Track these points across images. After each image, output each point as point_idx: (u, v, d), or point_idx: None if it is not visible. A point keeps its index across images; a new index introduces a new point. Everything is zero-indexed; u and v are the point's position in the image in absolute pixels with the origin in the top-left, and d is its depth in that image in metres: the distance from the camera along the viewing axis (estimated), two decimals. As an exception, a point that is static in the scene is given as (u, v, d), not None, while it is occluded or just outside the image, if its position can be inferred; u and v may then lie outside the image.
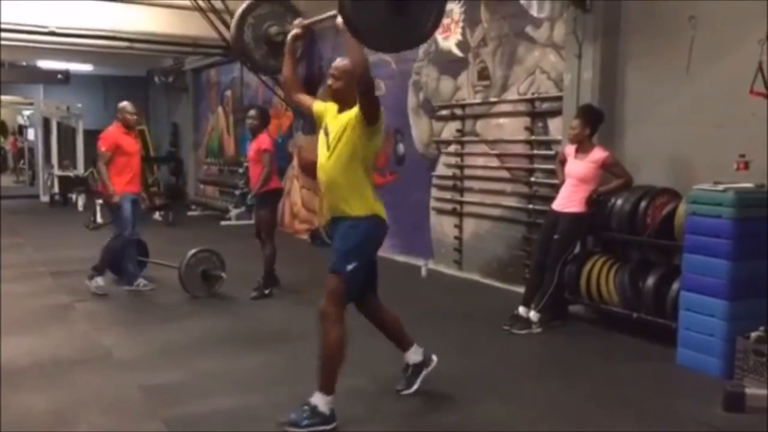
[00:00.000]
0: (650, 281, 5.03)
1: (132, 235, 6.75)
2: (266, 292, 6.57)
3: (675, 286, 4.81)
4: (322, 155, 3.72)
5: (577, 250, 5.73)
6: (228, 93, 14.20)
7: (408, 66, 8.54)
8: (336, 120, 3.69)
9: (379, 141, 3.70)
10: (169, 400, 3.98)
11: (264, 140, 6.82)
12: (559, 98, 6.29)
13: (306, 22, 3.99)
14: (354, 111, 3.56)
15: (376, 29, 3.13)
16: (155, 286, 6.82)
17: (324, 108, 3.87)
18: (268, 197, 6.81)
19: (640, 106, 5.67)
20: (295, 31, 3.96)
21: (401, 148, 8.77)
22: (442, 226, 8.05)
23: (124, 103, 6.83)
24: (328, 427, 3.48)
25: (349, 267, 3.57)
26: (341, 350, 3.53)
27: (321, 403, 3.48)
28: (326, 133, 3.73)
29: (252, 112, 6.95)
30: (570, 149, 5.56)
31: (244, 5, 4.29)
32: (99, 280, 6.70)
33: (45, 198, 16.20)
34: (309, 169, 11.02)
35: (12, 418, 3.66)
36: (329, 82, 3.70)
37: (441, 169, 8.08)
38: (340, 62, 3.67)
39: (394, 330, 3.93)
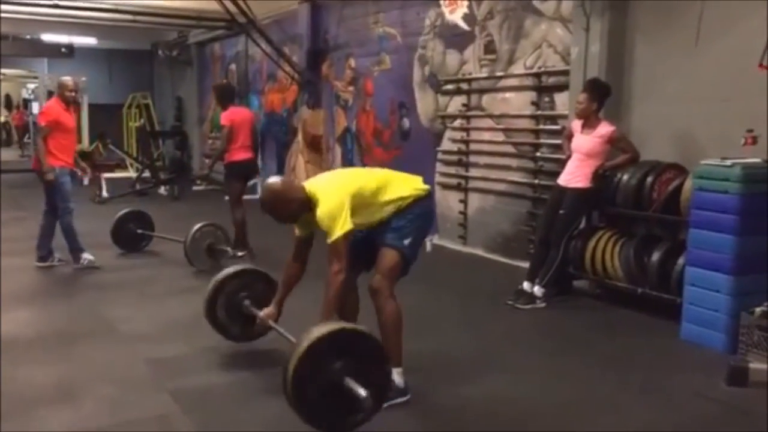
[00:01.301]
0: (655, 256, 5.02)
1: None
2: (239, 254, 6.82)
3: (680, 261, 4.81)
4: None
5: (582, 225, 5.72)
6: (232, 66, 14.12)
7: (414, 40, 8.46)
8: (311, 216, 3.56)
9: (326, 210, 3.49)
10: (174, 372, 4.01)
11: (224, 116, 7.08)
12: (566, 72, 6.23)
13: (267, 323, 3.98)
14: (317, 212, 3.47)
15: None
16: (98, 264, 6.67)
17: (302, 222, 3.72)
18: (233, 168, 7.17)
19: (648, 80, 5.61)
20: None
21: (406, 122, 8.73)
22: (447, 201, 8.04)
23: (65, 79, 6.73)
24: (404, 399, 3.50)
25: (406, 242, 3.57)
26: (400, 321, 3.54)
27: (394, 375, 3.44)
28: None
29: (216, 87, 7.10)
30: (576, 124, 5.52)
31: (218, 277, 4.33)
32: (86, 255, 6.66)
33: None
34: (314, 143, 11.00)
35: (16, 391, 3.70)
36: None
37: (446, 144, 8.05)
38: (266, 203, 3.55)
39: (350, 314, 3.81)
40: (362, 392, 2.84)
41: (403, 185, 3.69)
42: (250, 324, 4.15)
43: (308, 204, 3.51)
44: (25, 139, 22.67)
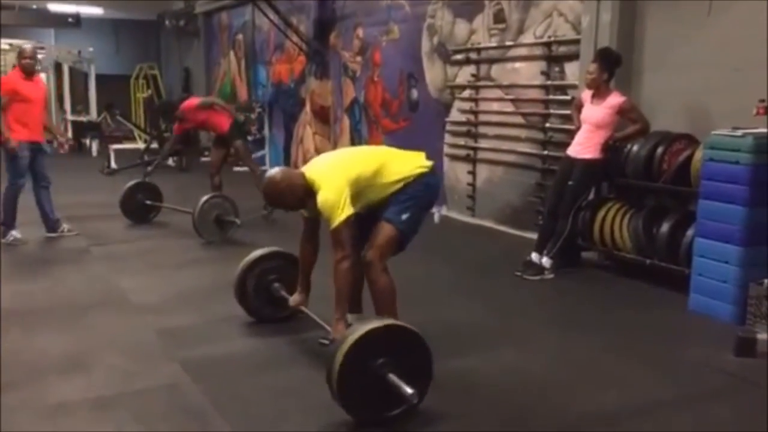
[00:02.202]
0: (664, 227, 5.00)
1: (21, 186, 6.44)
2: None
3: (689, 232, 4.79)
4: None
5: (591, 196, 5.70)
6: (239, 37, 14.02)
7: (422, 9, 8.37)
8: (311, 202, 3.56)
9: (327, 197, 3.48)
10: (184, 342, 4.05)
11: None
12: (576, 41, 6.16)
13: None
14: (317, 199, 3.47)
15: None
16: (25, 241, 6.51)
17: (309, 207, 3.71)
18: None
19: (659, 50, 5.54)
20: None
21: (415, 93, 8.67)
22: (456, 173, 8.01)
23: (23, 47, 6.48)
24: None
25: (404, 216, 3.57)
26: (394, 294, 3.58)
27: None
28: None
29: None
30: (586, 94, 5.47)
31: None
32: (14, 233, 6.49)
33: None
34: (321, 114, 10.96)
35: (30, 359, 3.75)
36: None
37: (455, 115, 8.00)
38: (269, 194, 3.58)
39: (354, 290, 3.85)
40: (408, 390, 2.88)
41: (404, 164, 3.68)
42: (279, 305, 4.18)
43: (310, 190, 3.51)
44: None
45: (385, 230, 3.56)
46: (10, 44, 13.34)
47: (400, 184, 3.62)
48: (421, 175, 3.67)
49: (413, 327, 3.08)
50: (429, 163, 3.76)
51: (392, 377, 2.93)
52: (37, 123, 6.42)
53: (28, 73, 6.36)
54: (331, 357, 2.95)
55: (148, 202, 7.52)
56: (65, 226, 6.79)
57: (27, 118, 6.29)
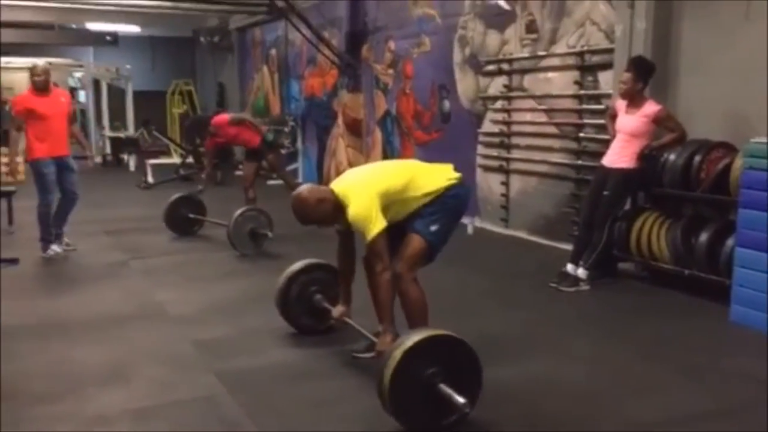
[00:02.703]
0: (703, 237, 4.91)
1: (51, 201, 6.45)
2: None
3: (729, 242, 4.70)
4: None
5: (627, 206, 5.63)
6: (273, 52, 14.19)
7: (454, 20, 8.38)
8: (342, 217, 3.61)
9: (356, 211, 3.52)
10: (220, 354, 4.08)
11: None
12: (610, 50, 6.10)
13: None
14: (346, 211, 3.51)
15: None
16: (64, 255, 6.58)
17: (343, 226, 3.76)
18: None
19: (695, 57, 5.47)
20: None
21: (447, 104, 8.67)
22: (489, 184, 7.98)
23: (35, 64, 6.50)
24: None
25: (433, 228, 3.58)
26: (425, 305, 3.60)
27: None
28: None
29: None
30: (621, 103, 5.41)
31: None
32: (54, 247, 6.58)
33: (97, 159, 16.56)
34: (354, 127, 11.01)
35: (71, 371, 3.81)
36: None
37: (487, 126, 7.97)
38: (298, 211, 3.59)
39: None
40: (460, 399, 2.89)
41: (433, 178, 3.68)
42: (321, 317, 4.20)
43: (339, 205, 3.54)
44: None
45: (414, 242, 3.57)
46: (50, 62, 13.65)
47: (429, 198, 3.63)
48: (450, 187, 3.68)
49: (462, 337, 3.07)
50: (457, 174, 3.76)
51: (443, 387, 2.94)
52: (58, 138, 6.43)
53: (41, 89, 6.37)
54: (381, 368, 2.96)
55: (192, 215, 7.62)
56: (54, 248, 6.61)
57: (45, 134, 6.31)
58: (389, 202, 3.55)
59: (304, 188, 3.65)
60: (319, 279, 4.28)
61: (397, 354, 2.93)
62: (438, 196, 3.63)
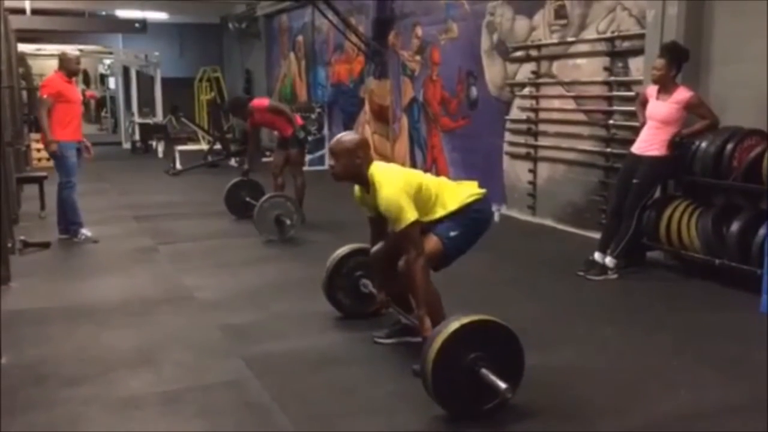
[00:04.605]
0: (735, 226, 4.83)
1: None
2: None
3: (762, 231, 4.62)
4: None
5: (657, 194, 5.55)
6: (299, 38, 14.20)
7: (481, 6, 8.31)
8: (370, 199, 3.63)
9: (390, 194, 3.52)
10: (247, 339, 4.12)
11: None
12: (641, 36, 6.00)
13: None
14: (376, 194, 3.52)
15: None
16: (96, 239, 6.65)
17: (358, 197, 3.82)
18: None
19: (728, 42, 5.35)
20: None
21: (474, 91, 8.61)
22: (516, 171, 7.92)
23: (65, 52, 6.72)
24: None
25: (452, 233, 3.59)
26: (439, 300, 3.60)
27: None
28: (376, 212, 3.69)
29: None
30: (652, 90, 5.32)
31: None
32: (84, 231, 6.67)
33: (127, 145, 16.75)
34: (381, 113, 10.99)
35: (99, 354, 3.87)
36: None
37: (515, 113, 7.90)
38: (335, 143, 3.63)
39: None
40: (502, 384, 2.89)
41: (457, 196, 3.68)
42: (366, 301, 4.25)
43: (368, 177, 3.55)
44: (103, 114, 23.46)
45: (431, 242, 3.58)
46: (81, 50, 13.81)
47: (452, 210, 3.64)
48: (473, 203, 3.68)
49: (506, 323, 3.07)
50: (482, 190, 3.76)
51: (485, 372, 2.95)
52: (78, 123, 6.69)
53: (70, 75, 6.61)
54: (425, 352, 2.98)
55: (248, 199, 7.69)
56: (84, 232, 6.70)
57: (69, 118, 6.50)
58: (415, 202, 3.53)
59: (350, 132, 3.68)
60: (364, 263, 4.29)
61: (440, 338, 2.95)
62: (461, 210, 3.65)
